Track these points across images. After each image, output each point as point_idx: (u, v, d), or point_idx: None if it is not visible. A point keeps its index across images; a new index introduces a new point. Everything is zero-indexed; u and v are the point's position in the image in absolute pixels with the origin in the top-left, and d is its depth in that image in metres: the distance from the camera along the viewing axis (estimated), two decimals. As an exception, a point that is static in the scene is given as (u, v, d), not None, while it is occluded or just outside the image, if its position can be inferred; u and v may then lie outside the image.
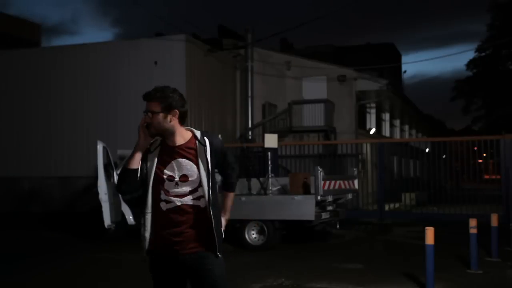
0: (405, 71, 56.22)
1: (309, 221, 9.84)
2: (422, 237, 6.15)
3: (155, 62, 17.16)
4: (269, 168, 10.91)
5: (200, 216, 2.98)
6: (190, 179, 2.98)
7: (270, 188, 10.59)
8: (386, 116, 27.23)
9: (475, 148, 15.19)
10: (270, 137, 11.13)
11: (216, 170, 3.11)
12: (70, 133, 17.71)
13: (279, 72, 21.08)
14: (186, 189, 2.99)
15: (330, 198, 10.17)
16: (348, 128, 20.17)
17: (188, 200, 2.98)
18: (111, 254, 9.70)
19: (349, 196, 11.34)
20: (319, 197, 9.65)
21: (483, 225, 8.43)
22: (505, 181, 13.16)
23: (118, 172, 3.17)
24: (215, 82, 19.15)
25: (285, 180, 11.19)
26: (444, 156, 18.09)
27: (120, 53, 17.77)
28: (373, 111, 24.22)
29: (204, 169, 2.98)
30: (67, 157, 17.64)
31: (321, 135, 19.59)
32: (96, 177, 10.91)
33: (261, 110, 20.73)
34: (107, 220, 10.64)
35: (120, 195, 11.40)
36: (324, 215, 10.17)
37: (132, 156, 2.98)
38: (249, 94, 19.87)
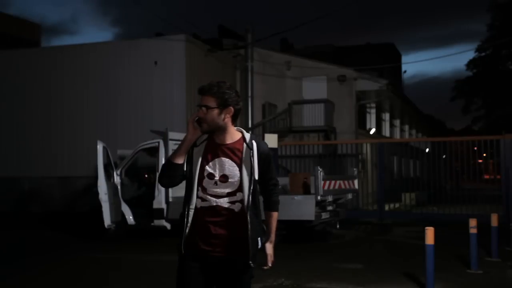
0: (405, 71, 56.29)
1: (309, 221, 9.84)
2: (422, 237, 6.15)
3: (155, 62, 17.17)
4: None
5: (235, 220, 2.86)
6: (230, 180, 2.87)
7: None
8: (386, 116, 27.23)
9: (475, 148, 15.20)
10: (270, 137, 11.14)
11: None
12: (70, 133, 17.71)
13: (279, 72, 21.08)
14: (225, 190, 2.88)
15: (330, 198, 10.17)
16: (348, 128, 20.16)
17: (223, 202, 2.87)
18: (111, 254, 9.70)
19: (349, 196, 11.35)
20: (319, 197, 9.66)
21: (483, 225, 8.43)
22: (505, 181, 13.16)
23: (162, 164, 3.09)
24: (215, 82, 19.12)
25: (285, 180, 11.18)
26: (444, 156, 18.09)
27: (120, 53, 17.77)
28: (373, 111, 24.21)
29: (247, 173, 2.86)
30: (67, 157, 17.65)
31: (321, 135, 19.59)
32: (96, 177, 10.90)
33: (261, 110, 20.73)
34: (107, 220, 10.64)
35: (120, 196, 11.43)
36: (324, 215, 10.17)
37: (178, 150, 2.88)
38: (249, 94, 19.85)
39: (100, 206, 10.59)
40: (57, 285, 7.42)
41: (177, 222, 3.07)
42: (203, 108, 2.84)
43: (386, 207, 14.99)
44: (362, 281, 7.10)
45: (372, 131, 23.34)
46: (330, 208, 10.53)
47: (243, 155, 2.89)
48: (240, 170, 2.87)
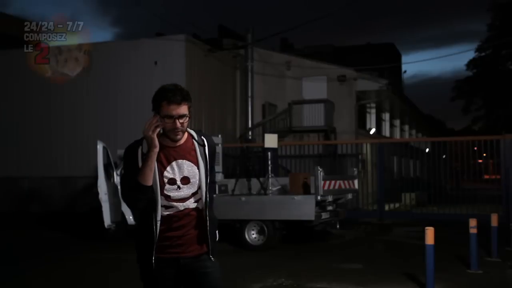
0: (405, 71, 56.24)
1: (309, 221, 9.84)
2: (422, 237, 6.15)
3: (155, 62, 17.17)
4: (269, 168, 10.91)
5: (199, 218, 2.88)
6: (192, 181, 2.84)
7: (270, 188, 10.59)
8: (386, 116, 27.23)
9: (475, 148, 15.19)
10: (270, 137, 11.13)
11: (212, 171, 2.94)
12: (70, 133, 17.71)
13: (279, 72, 21.07)
14: (188, 192, 2.84)
15: (330, 198, 10.17)
16: (348, 128, 20.16)
17: (190, 203, 2.85)
18: (111, 254, 9.70)
19: (349, 196, 11.34)
20: (319, 197, 9.66)
21: (483, 225, 8.43)
22: (505, 181, 13.15)
23: (125, 189, 2.85)
24: (215, 82, 19.15)
25: (285, 180, 11.19)
26: (444, 156, 18.09)
27: (120, 53, 17.77)
28: (373, 111, 24.21)
29: (204, 170, 2.85)
30: (67, 157, 17.64)
31: (321, 135, 19.59)
32: (96, 177, 10.91)
33: (261, 110, 20.73)
34: (107, 220, 10.64)
35: (120, 196, 11.43)
36: (324, 215, 10.17)
37: (147, 169, 2.70)
38: (249, 94, 19.87)
39: (100, 206, 10.59)
40: (57, 285, 7.42)
41: (135, 235, 2.97)
42: (180, 119, 2.73)
43: (386, 207, 14.98)
44: (362, 281, 7.11)
45: (372, 131, 23.34)
46: (330, 208, 10.52)
47: (197, 153, 2.86)
48: (198, 168, 2.84)
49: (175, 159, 2.83)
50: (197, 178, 2.85)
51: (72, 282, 7.58)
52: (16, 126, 18.34)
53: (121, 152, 12.98)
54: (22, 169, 17.91)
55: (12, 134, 18.31)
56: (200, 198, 2.88)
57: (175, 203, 2.82)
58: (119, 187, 11.44)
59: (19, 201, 17.61)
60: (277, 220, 10.03)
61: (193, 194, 2.86)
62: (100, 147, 10.86)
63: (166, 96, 2.74)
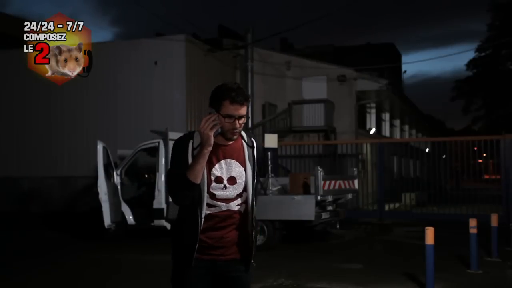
0: (405, 71, 56.25)
1: (309, 221, 9.84)
2: (422, 237, 6.15)
3: (155, 62, 17.17)
4: (269, 168, 10.91)
5: (241, 221, 2.80)
6: (238, 181, 2.75)
7: (270, 188, 10.59)
8: (386, 116, 27.23)
9: (475, 148, 15.19)
10: (270, 137, 11.13)
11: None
12: (70, 133, 17.71)
13: (279, 72, 21.07)
14: (234, 192, 2.75)
15: (330, 198, 10.17)
16: (348, 128, 20.16)
17: (233, 205, 2.76)
18: (111, 254, 9.70)
19: (349, 196, 11.33)
20: (319, 197, 9.66)
21: (483, 225, 8.43)
22: (505, 181, 13.16)
23: (172, 184, 2.75)
24: (215, 82, 18.89)
25: (285, 180, 11.18)
26: (444, 156, 18.09)
27: (120, 53, 17.77)
28: (373, 111, 24.21)
29: (251, 172, 2.78)
30: (67, 157, 17.65)
31: (321, 135, 19.60)
32: (96, 177, 10.90)
33: (261, 110, 20.72)
34: (107, 220, 10.64)
35: (120, 196, 11.42)
36: (324, 215, 10.17)
37: (197, 167, 2.61)
38: (249, 94, 19.86)
39: (100, 206, 10.59)
40: (58, 285, 7.42)
41: (173, 230, 2.92)
42: (241, 119, 2.67)
43: (386, 207, 14.99)
44: (362, 281, 7.10)
45: (372, 131, 23.34)
46: (330, 208, 10.52)
47: (245, 154, 2.79)
48: (245, 170, 2.77)
49: (224, 158, 2.76)
50: (244, 179, 2.77)
51: (72, 282, 7.58)
52: (16, 126, 18.35)
53: (121, 152, 13.07)
54: (22, 169, 17.91)
55: (12, 134, 18.31)
56: (245, 201, 2.80)
57: (219, 203, 2.75)
58: (119, 187, 11.46)
59: (19, 201, 17.61)
60: (277, 220, 10.02)
61: (239, 196, 2.78)
62: (100, 147, 10.86)
63: (229, 95, 2.66)
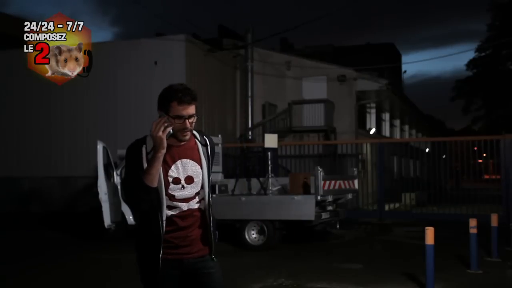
0: (405, 71, 56.28)
1: (309, 221, 9.84)
2: (422, 237, 6.15)
3: (155, 62, 17.15)
4: (269, 168, 10.91)
5: (202, 219, 2.85)
6: (195, 180, 2.81)
7: (270, 188, 10.59)
8: (386, 116, 27.23)
9: (475, 148, 15.19)
10: (270, 137, 11.13)
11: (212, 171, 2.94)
12: (70, 133, 17.70)
13: (279, 72, 21.07)
14: (192, 191, 2.81)
15: (330, 198, 10.17)
16: (348, 128, 20.16)
17: (193, 204, 2.82)
18: (111, 254, 9.70)
19: (349, 196, 11.34)
20: (319, 197, 9.65)
21: (483, 225, 8.43)
22: (505, 181, 13.15)
23: (128, 189, 2.83)
24: (215, 82, 19.14)
25: (285, 180, 11.19)
26: (444, 156, 18.09)
27: (120, 53, 17.76)
28: (373, 111, 24.21)
29: (206, 170, 2.84)
30: (67, 157, 17.63)
31: (321, 135, 19.60)
32: (96, 177, 10.91)
33: (261, 110, 20.73)
34: (107, 220, 10.64)
35: (120, 196, 11.42)
36: (324, 215, 10.17)
37: (153, 170, 2.63)
38: (249, 94, 19.87)
39: (100, 206, 10.59)
40: (58, 285, 7.42)
41: (136, 235, 2.91)
42: (190, 119, 2.71)
43: (386, 207, 14.98)
44: (362, 281, 7.11)
45: (372, 131, 23.34)
46: (330, 208, 10.53)
47: (200, 152, 2.84)
48: (202, 168, 2.82)
49: (180, 158, 2.79)
50: (200, 177, 2.82)
51: (72, 282, 7.58)
52: (16, 126, 18.33)
53: (121, 152, 13.04)
54: (22, 169, 17.89)
55: (12, 134, 18.30)
56: (203, 198, 2.85)
57: (179, 203, 2.79)
58: (119, 187, 11.46)
59: (19, 201, 17.60)
60: (277, 220, 10.02)
61: (196, 194, 2.83)
62: (100, 147, 10.87)
63: (176, 96, 2.72)
